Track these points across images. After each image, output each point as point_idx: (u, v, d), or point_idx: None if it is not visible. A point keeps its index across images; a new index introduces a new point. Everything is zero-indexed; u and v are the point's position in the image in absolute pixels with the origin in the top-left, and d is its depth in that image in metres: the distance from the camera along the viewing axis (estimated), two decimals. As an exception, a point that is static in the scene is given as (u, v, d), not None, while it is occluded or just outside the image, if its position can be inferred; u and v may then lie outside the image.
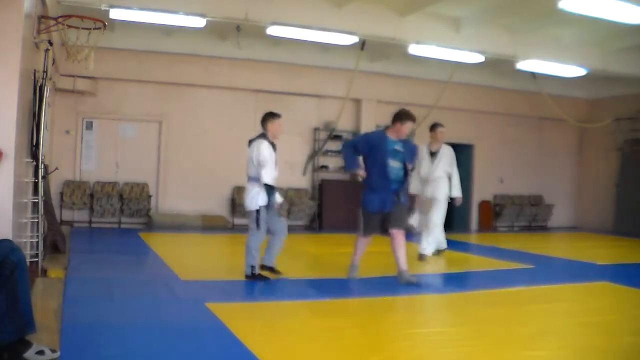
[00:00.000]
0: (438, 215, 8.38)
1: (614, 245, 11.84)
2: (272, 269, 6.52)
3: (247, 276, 6.25)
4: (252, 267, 6.23)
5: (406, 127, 6.32)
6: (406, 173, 6.42)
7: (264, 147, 6.24)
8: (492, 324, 4.47)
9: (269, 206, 6.27)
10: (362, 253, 6.58)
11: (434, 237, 8.38)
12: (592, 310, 5.37)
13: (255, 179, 6.26)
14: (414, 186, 8.18)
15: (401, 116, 6.33)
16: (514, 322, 4.35)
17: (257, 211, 6.17)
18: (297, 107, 12.93)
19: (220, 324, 4.35)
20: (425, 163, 8.41)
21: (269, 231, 6.42)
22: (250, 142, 6.44)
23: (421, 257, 8.19)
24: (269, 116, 6.44)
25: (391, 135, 6.37)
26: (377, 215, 6.33)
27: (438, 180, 8.36)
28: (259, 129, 6.51)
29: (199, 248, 9.54)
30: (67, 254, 7.25)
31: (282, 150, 12.60)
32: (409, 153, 6.47)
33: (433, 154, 8.43)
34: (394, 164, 6.29)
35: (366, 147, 6.39)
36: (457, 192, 8.50)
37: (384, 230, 6.38)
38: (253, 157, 6.25)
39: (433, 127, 8.52)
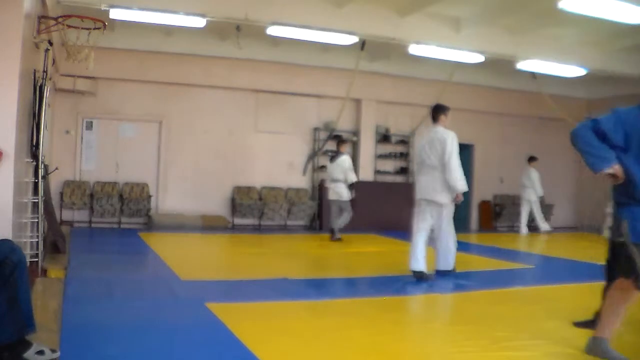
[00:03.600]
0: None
1: (614, 245, 11.79)
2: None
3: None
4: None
5: None
6: None
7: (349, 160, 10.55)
8: (492, 323, 4.47)
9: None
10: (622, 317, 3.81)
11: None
12: (592, 310, 5.36)
13: (343, 180, 10.29)
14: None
15: None
16: (514, 322, 4.35)
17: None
18: (297, 107, 12.95)
19: (220, 324, 4.34)
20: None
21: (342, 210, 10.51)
22: (334, 157, 10.65)
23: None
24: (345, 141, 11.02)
25: None
26: None
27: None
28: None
29: (199, 248, 9.54)
30: (67, 254, 7.24)
31: (282, 150, 12.86)
32: None
33: None
34: None
35: (618, 132, 3.50)
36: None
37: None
38: (345, 167, 10.31)
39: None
